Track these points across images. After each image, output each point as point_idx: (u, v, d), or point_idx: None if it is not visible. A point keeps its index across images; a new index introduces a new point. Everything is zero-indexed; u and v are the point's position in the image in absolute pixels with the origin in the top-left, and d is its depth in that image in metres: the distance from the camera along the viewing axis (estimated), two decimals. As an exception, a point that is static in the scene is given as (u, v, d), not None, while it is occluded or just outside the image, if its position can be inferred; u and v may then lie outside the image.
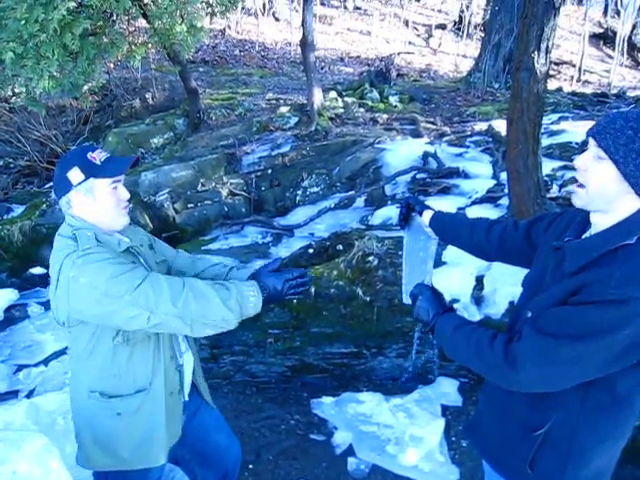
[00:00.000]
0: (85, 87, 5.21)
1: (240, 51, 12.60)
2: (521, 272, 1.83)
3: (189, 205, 6.26)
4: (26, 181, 7.98)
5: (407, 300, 1.88)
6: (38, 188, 7.83)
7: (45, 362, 4.27)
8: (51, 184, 7.79)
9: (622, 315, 1.34)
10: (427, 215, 2.08)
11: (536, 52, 3.85)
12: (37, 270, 5.72)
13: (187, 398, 2.20)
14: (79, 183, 1.87)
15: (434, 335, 1.70)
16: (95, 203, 1.90)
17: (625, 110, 1.46)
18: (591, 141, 1.45)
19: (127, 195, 1.98)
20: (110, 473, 2.03)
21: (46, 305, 5.03)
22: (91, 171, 1.88)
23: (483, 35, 12.24)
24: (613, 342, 1.35)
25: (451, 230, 2.05)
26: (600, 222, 1.49)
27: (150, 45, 5.18)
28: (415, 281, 1.88)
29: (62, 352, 4.28)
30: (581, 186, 1.47)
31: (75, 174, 1.86)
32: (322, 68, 11.85)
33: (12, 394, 3.86)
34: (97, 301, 1.76)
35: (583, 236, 1.56)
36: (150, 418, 2.01)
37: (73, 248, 1.82)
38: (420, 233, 2.05)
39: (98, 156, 1.90)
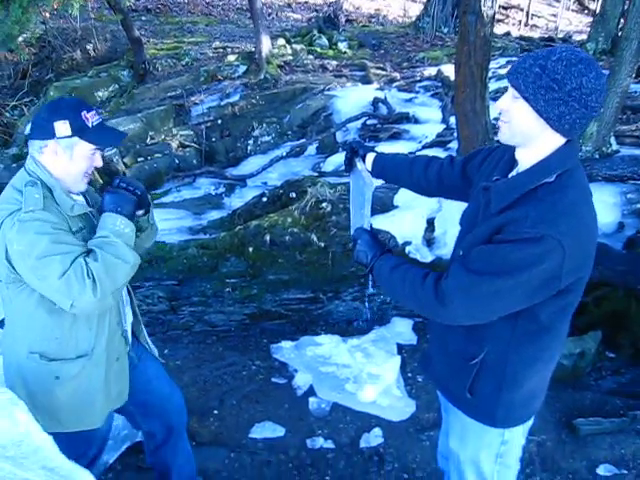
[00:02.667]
0: (20, 38, 4.96)
1: (184, -2, 12.15)
2: (470, 214, 1.89)
3: (139, 159, 6.14)
4: (-38, 139, 7.64)
5: None
6: (-24, 147, 7.52)
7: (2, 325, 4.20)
8: (-9, 142, 7.37)
9: (537, 252, 1.42)
10: (370, 158, 2.11)
11: (482, -6, 3.87)
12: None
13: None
14: (63, 137, 1.81)
15: (373, 276, 1.77)
16: (69, 161, 1.85)
17: (538, 50, 1.52)
18: (508, 82, 1.51)
19: (100, 163, 1.94)
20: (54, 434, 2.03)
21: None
22: (80, 131, 1.82)
23: (431, -22, 12.09)
24: (530, 277, 1.44)
25: (392, 170, 2.09)
26: (524, 158, 1.56)
27: (88, -8, 4.95)
28: (356, 225, 1.93)
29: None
30: (505, 122, 1.53)
31: (63, 127, 1.80)
32: (269, 15, 11.56)
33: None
34: (27, 271, 1.75)
35: (510, 175, 1.63)
36: (89, 384, 1.99)
37: (17, 206, 1.76)
38: (359, 178, 2.05)
39: (91, 118, 1.85)
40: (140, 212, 2.05)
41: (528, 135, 1.50)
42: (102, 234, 1.83)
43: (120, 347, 2.09)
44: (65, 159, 1.85)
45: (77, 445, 2.05)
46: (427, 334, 3.90)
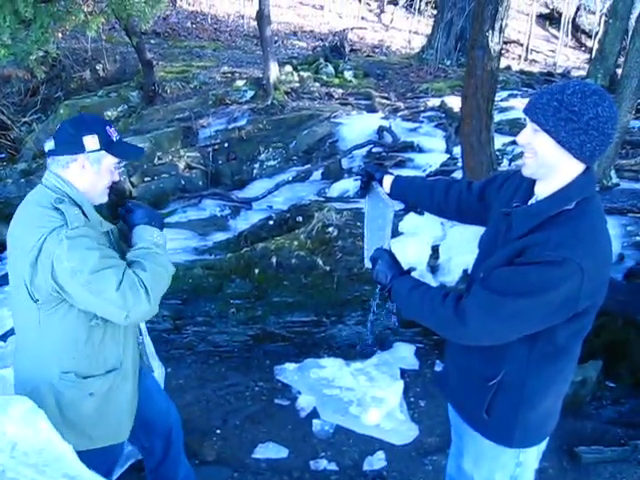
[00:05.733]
0: (32, 57, 5.07)
1: (192, 23, 12.35)
2: (474, 241, 1.94)
3: (146, 179, 6.22)
4: (-30, 154, 7.71)
5: (368, 264, 1.96)
6: (-17, 162, 7.59)
7: (3, 338, 4.20)
8: (-1, 157, 7.41)
9: (558, 275, 1.49)
10: (387, 180, 2.16)
11: (490, 31, 3.99)
12: (-12, 246, 5.57)
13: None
14: (92, 151, 1.88)
15: (391, 296, 1.81)
16: (96, 175, 1.92)
17: (550, 85, 1.62)
18: (527, 118, 1.59)
19: (118, 178, 2.03)
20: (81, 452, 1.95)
21: (0, 280, 4.93)
22: (107, 145, 1.89)
23: (435, 13, 12.38)
24: (551, 299, 1.50)
25: (412, 193, 2.15)
26: (543, 190, 1.64)
27: (107, 15, 5.07)
28: (375, 246, 1.96)
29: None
30: (529, 157, 1.61)
31: (92, 141, 1.87)
32: (276, 42, 11.73)
33: (-28, 369, 3.80)
34: (80, 287, 1.76)
35: (529, 202, 1.69)
36: (119, 397, 2.04)
37: (60, 222, 1.77)
38: (379, 201, 2.11)
39: (114, 134, 1.93)
40: None
41: (552, 166, 1.58)
42: (144, 245, 1.92)
43: (136, 358, 2.15)
44: (92, 173, 1.91)
45: (105, 461, 2.08)
46: (430, 360, 3.96)
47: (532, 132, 1.57)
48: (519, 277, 1.54)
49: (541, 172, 1.61)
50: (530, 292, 1.51)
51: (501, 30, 4.03)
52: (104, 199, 2.01)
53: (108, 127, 1.93)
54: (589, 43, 15.36)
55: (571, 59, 14.44)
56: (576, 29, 16.12)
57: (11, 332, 4.21)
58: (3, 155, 7.78)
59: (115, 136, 1.93)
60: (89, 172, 1.91)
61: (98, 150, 1.88)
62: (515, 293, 1.53)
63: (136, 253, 1.90)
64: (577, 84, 1.52)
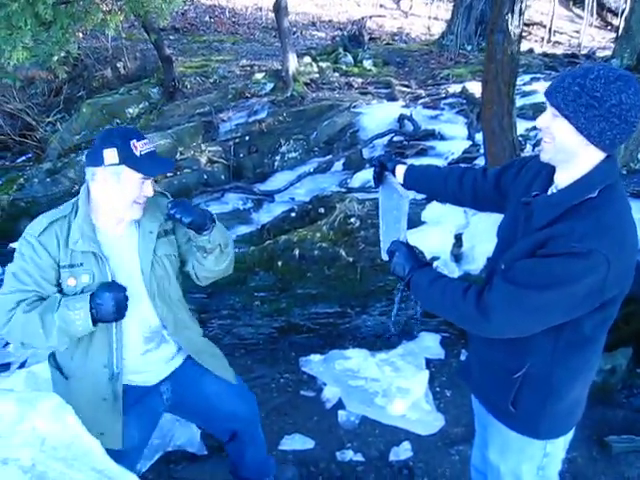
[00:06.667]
0: (54, 58, 5.13)
1: (210, 17, 12.40)
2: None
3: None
4: (-2, 156, 7.86)
5: (385, 257, 1.93)
6: (11, 162, 7.72)
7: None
8: (24, 158, 7.59)
9: (584, 266, 1.44)
10: (400, 170, 2.10)
11: (510, 14, 3.92)
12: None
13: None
14: (110, 165, 1.86)
15: (410, 289, 1.77)
16: (117, 189, 1.89)
17: (574, 68, 1.55)
18: (547, 101, 1.54)
19: (151, 192, 1.97)
20: None
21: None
22: (127, 159, 1.87)
23: (454, -3, 12.20)
24: (575, 290, 1.47)
25: (425, 182, 2.10)
26: (563, 179, 1.59)
27: (125, 13, 5.11)
28: (391, 238, 1.92)
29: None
30: (547, 141, 1.56)
31: (111, 155, 1.85)
32: (294, 33, 11.72)
33: (4, 366, 3.88)
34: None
35: (549, 190, 1.65)
36: (80, 395, 2.03)
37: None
38: (393, 191, 2.04)
39: (140, 147, 1.89)
40: (205, 232, 2.03)
41: (570, 152, 1.53)
42: (60, 302, 1.88)
43: (108, 389, 2.07)
44: (113, 184, 1.89)
45: None
46: (455, 350, 3.93)
47: (551, 116, 1.52)
48: (543, 269, 1.50)
49: (559, 158, 1.56)
50: (555, 284, 1.47)
51: (521, 13, 3.96)
52: (135, 215, 1.99)
53: (135, 140, 1.88)
54: (615, 22, 14.97)
55: (596, 39, 14.10)
56: (601, 7, 15.73)
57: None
58: (29, 155, 7.92)
59: (140, 150, 1.88)
60: (110, 185, 1.90)
61: (117, 164, 1.86)
62: (539, 285, 1.49)
63: (51, 298, 1.92)
64: (601, 68, 1.46)
